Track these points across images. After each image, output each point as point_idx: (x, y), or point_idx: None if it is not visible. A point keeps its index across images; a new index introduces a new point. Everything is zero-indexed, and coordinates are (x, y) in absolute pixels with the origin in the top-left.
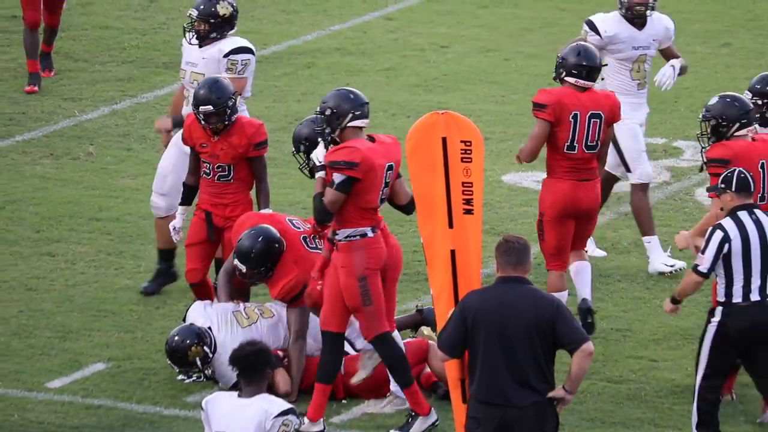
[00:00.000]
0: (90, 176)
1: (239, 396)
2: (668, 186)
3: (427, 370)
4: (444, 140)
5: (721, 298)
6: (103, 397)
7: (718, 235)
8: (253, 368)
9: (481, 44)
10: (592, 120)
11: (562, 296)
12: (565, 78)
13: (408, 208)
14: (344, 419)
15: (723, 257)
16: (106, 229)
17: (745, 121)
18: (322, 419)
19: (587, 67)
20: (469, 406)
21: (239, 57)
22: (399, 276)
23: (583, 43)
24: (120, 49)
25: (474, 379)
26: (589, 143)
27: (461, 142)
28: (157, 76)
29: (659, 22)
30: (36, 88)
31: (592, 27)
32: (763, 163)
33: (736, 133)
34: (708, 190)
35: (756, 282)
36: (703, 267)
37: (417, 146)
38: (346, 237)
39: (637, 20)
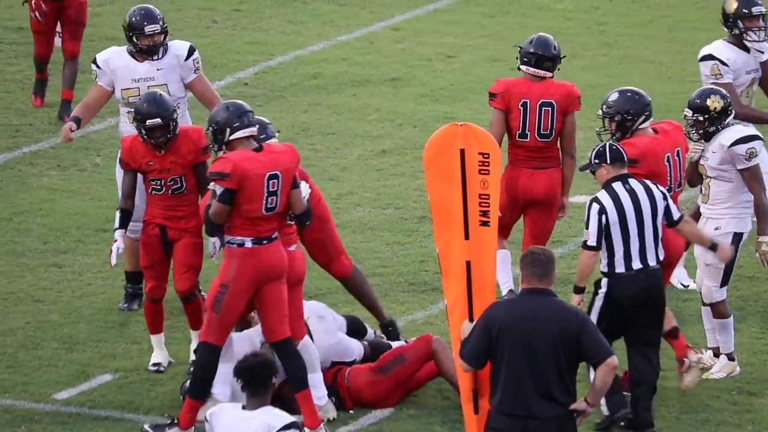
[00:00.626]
0: (97, 187)
1: (243, 408)
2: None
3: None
4: (462, 152)
5: (605, 269)
6: (111, 408)
7: (595, 207)
8: (258, 380)
9: (488, 54)
10: (543, 108)
11: (502, 254)
12: (521, 66)
13: (302, 218)
14: (351, 429)
15: (603, 228)
16: None
17: (648, 113)
18: (322, 423)
19: (536, 55)
20: (489, 417)
21: (196, 55)
22: (301, 284)
23: (542, 33)
24: None
25: (496, 391)
26: (541, 131)
27: (479, 154)
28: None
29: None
30: (40, 101)
31: (718, 60)
32: (668, 157)
33: (640, 126)
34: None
35: (635, 250)
36: (591, 241)
37: (435, 157)
38: (227, 242)
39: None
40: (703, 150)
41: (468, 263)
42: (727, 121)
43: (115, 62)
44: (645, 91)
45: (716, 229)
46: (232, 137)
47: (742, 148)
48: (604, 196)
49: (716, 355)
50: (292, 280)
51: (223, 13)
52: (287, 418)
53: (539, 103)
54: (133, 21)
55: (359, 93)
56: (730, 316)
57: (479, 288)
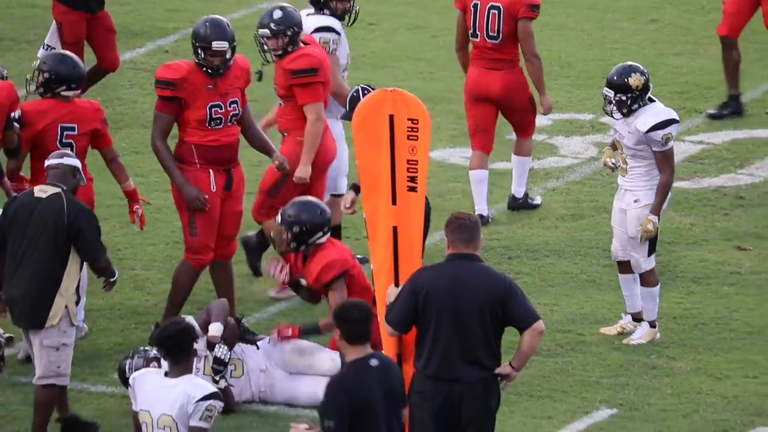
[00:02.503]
0: None
1: (166, 375)
2: (595, 161)
3: None
4: (391, 117)
5: None
6: (30, 375)
7: None
8: (179, 347)
9: (409, 21)
10: (490, 11)
11: (480, 175)
12: None
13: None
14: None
15: None
16: None
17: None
18: None
19: None
20: (414, 381)
21: None
22: None
23: None
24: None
25: (422, 355)
26: (489, 33)
27: (408, 120)
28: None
29: None
30: None
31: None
32: None
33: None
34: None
35: None
36: None
37: (364, 122)
38: None
39: None
40: (617, 127)
41: (395, 228)
42: (647, 96)
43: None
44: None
45: (636, 201)
46: None
47: (658, 134)
48: None
49: (636, 320)
50: None
51: None
52: (208, 388)
53: (488, 6)
54: None
55: None
56: (658, 284)
57: (406, 253)
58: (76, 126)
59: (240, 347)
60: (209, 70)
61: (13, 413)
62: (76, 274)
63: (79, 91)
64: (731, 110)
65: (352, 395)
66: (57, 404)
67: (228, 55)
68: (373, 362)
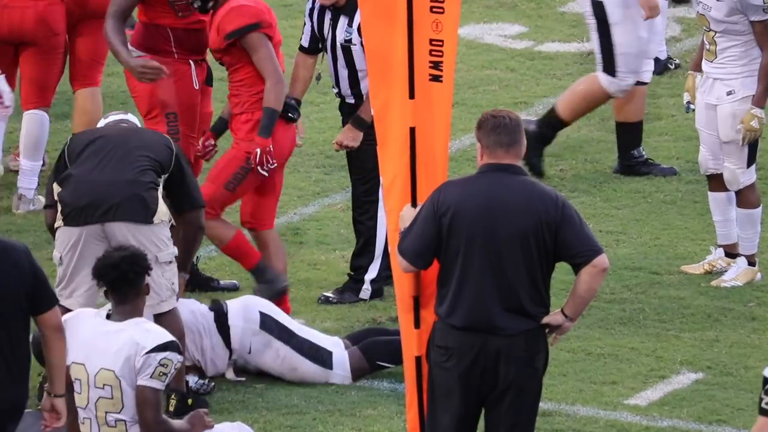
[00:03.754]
0: None
1: (108, 318)
2: (677, 43)
3: None
4: None
5: None
6: None
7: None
8: (125, 280)
9: None
10: None
11: None
12: None
13: None
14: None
15: None
16: None
17: None
18: None
19: None
20: (434, 333)
21: None
22: None
23: None
24: None
25: (445, 299)
26: None
27: None
28: None
29: None
30: None
31: None
32: None
33: None
34: None
35: None
36: None
37: None
38: None
39: None
40: None
41: (412, 130)
42: None
43: None
44: None
45: (730, 93)
46: None
47: None
48: None
49: (730, 255)
50: None
51: None
52: (163, 335)
53: None
54: None
55: None
56: (760, 205)
57: (426, 163)
58: None
59: (211, 342)
60: None
61: None
62: None
63: None
64: None
65: None
66: None
67: None
68: None
